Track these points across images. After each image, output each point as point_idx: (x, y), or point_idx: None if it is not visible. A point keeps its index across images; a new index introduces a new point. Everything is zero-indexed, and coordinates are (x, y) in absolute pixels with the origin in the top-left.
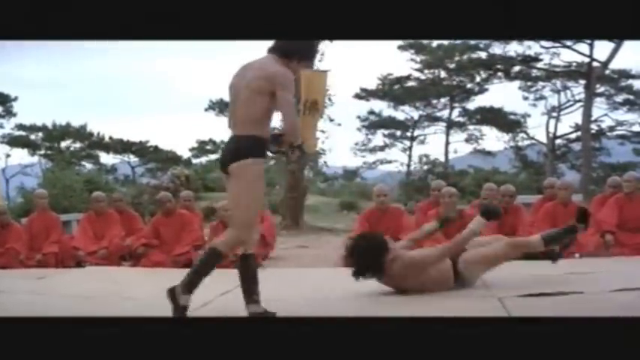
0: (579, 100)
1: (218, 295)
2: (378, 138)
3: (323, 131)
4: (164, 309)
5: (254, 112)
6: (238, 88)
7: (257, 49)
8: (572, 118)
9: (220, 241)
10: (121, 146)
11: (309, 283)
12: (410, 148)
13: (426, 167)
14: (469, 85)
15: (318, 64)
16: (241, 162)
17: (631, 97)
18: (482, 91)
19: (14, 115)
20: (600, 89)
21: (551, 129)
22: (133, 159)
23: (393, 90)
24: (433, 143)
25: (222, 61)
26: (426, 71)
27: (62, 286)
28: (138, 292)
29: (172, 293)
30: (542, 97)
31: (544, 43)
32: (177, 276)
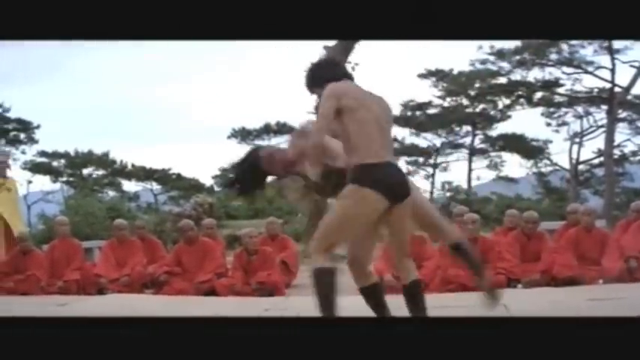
0: (602, 126)
1: None
2: (401, 165)
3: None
4: None
5: None
6: (386, 116)
7: (277, 79)
8: (594, 143)
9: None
10: (143, 174)
11: None
12: (432, 175)
13: (448, 194)
14: (491, 112)
15: None
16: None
17: None
18: (504, 117)
19: (36, 142)
20: (622, 114)
21: (574, 155)
22: (156, 186)
23: (415, 117)
24: (456, 170)
25: (243, 90)
26: (448, 98)
27: (83, 314)
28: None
29: None
30: (564, 123)
31: (565, 68)
32: (199, 303)
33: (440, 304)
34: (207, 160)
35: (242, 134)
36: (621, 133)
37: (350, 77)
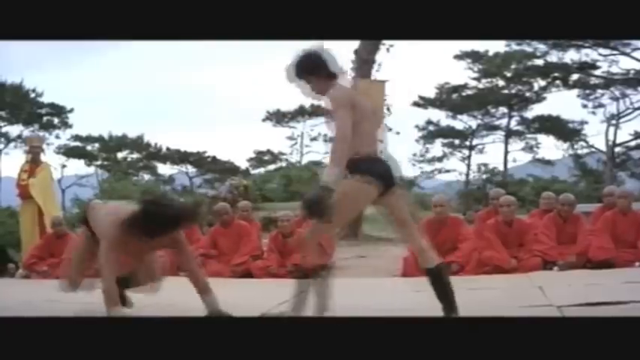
0: (638, 108)
1: (276, 305)
2: (437, 147)
3: (381, 141)
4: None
5: None
6: (374, 110)
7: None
8: (631, 125)
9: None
10: (178, 157)
11: (368, 293)
12: (469, 157)
13: (484, 176)
14: (527, 94)
15: (376, 74)
16: None
17: None
18: (540, 99)
19: (70, 126)
20: None
21: (611, 137)
22: (191, 169)
23: (450, 99)
24: (492, 152)
25: (278, 73)
26: (483, 80)
27: None
28: (196, 302)
29: None
30: (601, 105)
31: (602, 50)
32: (234, 286)
33: (476, 286)
34: (243, 142)
35: (277, 116)
36: None
37: (335, 76)
